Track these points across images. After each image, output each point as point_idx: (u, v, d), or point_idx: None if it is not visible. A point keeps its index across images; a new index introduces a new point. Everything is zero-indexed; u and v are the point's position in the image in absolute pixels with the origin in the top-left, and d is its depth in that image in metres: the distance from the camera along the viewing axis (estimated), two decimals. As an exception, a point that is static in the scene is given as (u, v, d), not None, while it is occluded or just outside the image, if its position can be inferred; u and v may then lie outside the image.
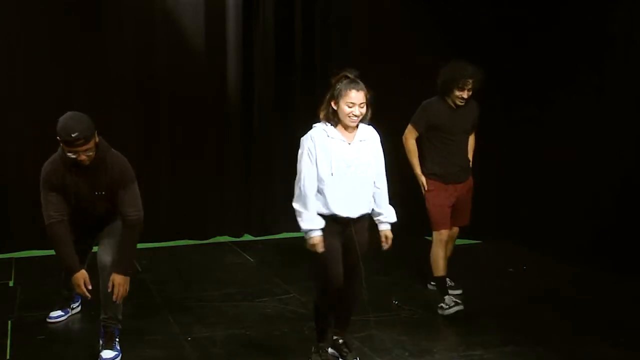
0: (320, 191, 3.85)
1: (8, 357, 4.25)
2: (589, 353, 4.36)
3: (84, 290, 4.12)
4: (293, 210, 3.89)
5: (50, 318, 4.79)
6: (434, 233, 5.23)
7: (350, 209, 3.87)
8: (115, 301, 4.16)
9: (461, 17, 6.80)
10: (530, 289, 5.66)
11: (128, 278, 4.15)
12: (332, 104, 3.84)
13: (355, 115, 3.80)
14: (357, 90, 3.79)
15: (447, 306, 4.97)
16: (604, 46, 6.09)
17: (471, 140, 5.36)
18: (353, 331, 4.44)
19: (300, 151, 3.88)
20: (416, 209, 5.49)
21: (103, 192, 4.20)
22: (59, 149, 4.13)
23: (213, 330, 4.70)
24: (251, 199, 7.36)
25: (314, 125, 3.93)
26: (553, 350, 4.38)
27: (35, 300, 5.16)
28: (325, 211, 3.85)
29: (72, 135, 3.94)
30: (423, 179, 5.18)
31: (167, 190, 6.99)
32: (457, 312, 4.92)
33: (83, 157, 4.02)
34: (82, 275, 4.12)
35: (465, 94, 5.02)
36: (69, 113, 4.06)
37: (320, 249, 3.80)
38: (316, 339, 4.12)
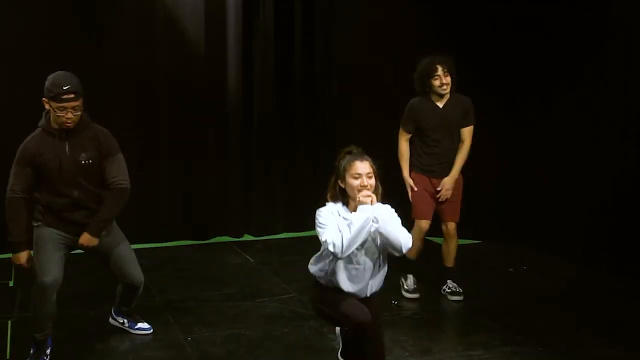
0: (327, 268, 3.56)
1: (8, 357, 4.25)
2: (588, 353, 4.36)
3: (24, 264, 3.99)
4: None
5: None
6: (415, 222, 5.17)
7: (360, 290, 3.55)
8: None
9: (462, 18, 6.79)
10: (531, 288, 5.67)
11: (97, 239, 4.06)
12: (339, 183, 3.52)
13: (365, 187, 3.42)
14: (362, 161, 3.48)
15: (408, 287, 5.36)
16: (605, 45, 6.08)
17: (463, 146, 5.14)
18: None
19: (316, 223, 3.49)
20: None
21: (90, 161, 4.01)
22: (41, 122, 4.01)
23: (213, 330, 4.70)
24: (251, 199, 7.36)
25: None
26: (553, 350, 4.37)
27: (35, 300, 5.15)
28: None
29: (64, 88, 3.84)
30: (410, 182, 5.20)
31: (167, 190, 6.99)
32: (415, 298, 5.30)
33: (70, 115, 3.88)
34: (25, 255, 3.99)
35: (443, 80, 5.04)
36: (58, 72, 3.94)
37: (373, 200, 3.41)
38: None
